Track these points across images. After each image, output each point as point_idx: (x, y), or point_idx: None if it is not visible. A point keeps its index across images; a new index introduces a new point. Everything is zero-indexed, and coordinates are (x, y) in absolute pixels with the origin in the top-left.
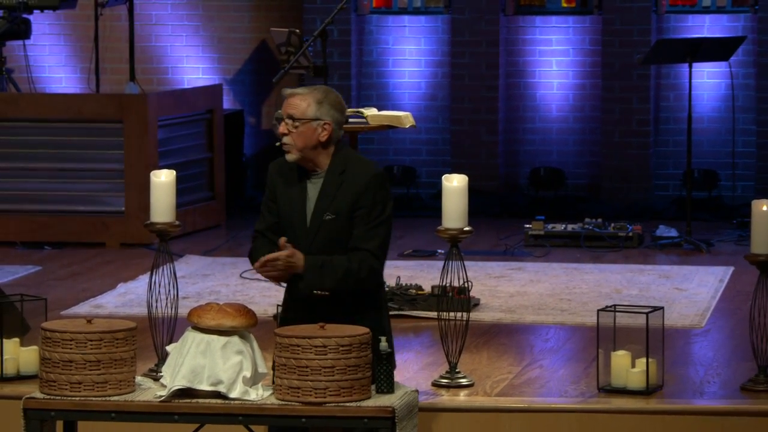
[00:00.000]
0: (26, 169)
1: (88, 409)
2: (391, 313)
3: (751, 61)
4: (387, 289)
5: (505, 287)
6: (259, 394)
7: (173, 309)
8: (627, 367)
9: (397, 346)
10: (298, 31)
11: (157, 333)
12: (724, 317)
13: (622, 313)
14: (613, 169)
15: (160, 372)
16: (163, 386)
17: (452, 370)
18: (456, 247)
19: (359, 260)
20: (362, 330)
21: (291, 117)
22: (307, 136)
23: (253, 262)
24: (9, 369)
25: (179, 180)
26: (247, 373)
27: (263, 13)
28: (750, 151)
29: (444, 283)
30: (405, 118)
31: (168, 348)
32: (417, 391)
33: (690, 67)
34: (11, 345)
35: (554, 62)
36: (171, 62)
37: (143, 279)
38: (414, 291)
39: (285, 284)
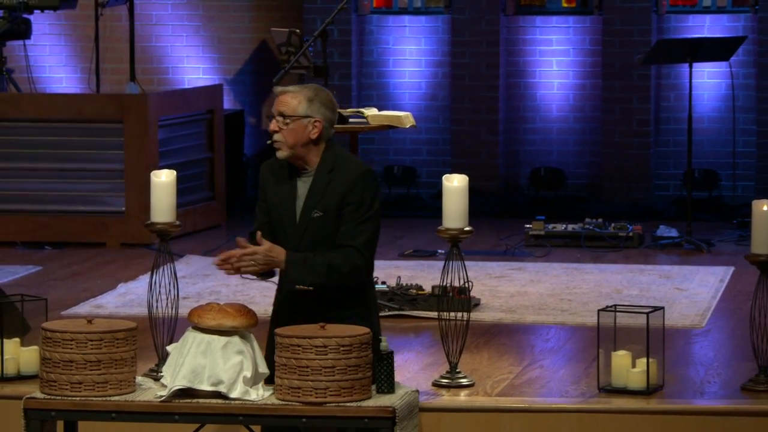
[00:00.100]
0: (27, 169)
1: (88, 409)
2: (391, 313)
3: (752, 61)
4: (387, 289)
5: (505, 287)
6: (259, 394)
7: (174, 309)
8: (627, 367)
9: (397, 346)
10: (298, 31)
11: (157, 333)
12: (725, 317)
13: (622, 313)
14: (613, 169)
15: (161, 372)
16: (164, 386)
17: (453, 370)
18: (456, 247)
19: (343, 257)
20: (363, 330)
21: (282, 114)
22: (297, 134)
23: None
24: (9, 369)
25: (179, 180)
26: (248, 373)
27: (263, 13)
28: (750, 151)
29: (444, 283)
30: (405, 118)
31: (168, 348)
32: (417, 391)
33: (690, 67)
34: (12, 345)
35: (554, 62)
36: (171, 62)
37: (144, 279)
38: (414, 291)
39: (261, 279)
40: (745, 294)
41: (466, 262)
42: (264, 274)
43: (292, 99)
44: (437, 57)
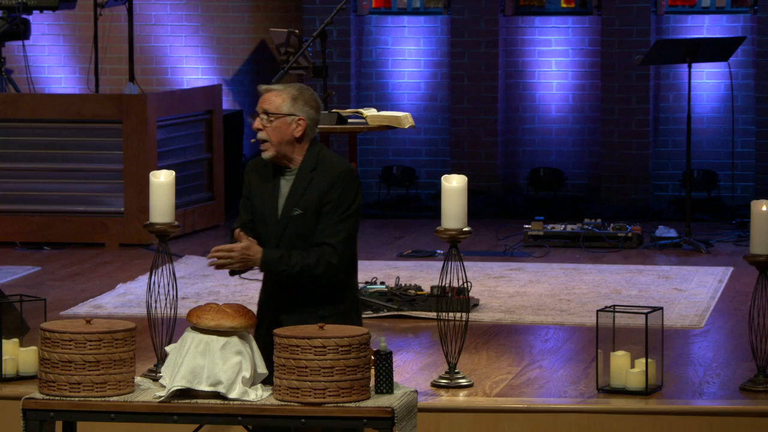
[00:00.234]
0: (26, 170)
1: (87, 410)
2: (390, 313)
3: (751, 62)
4: (386, 289)
5: (504, 288)
6: (258, 395)
7: (172, 309)
8: (626, 367)
9: (396, 346)
10: (297, 31)
11: (156, 333)
12: (724, 318)
13: (621, 313)
14: (612, 169)
15: (160, 372)
16: (163, 387)
17: (451, 370)
18: (455, 248)
19: (318, 255)
20: (362, 330)
21: (266, 112)
22: (281, 131)
23: None
24: (8, 369)
25: (178, 180)
26: (247, 374)
27: (262, 13)
28: (749, 151)
29: (443, 284)
30: (404, 118)
31: (167, 348)
32: (416, 391)
33: (689, 67)
34: (11, 345)
35: (553, 62)
36: (170, 63)
37: (143, 279)
38: (413, 291)
39: (241, 275)
40: (744, 294)
41: (465, 263)
42: (238, 271)
43: (276, 97)
44: (436, 57)
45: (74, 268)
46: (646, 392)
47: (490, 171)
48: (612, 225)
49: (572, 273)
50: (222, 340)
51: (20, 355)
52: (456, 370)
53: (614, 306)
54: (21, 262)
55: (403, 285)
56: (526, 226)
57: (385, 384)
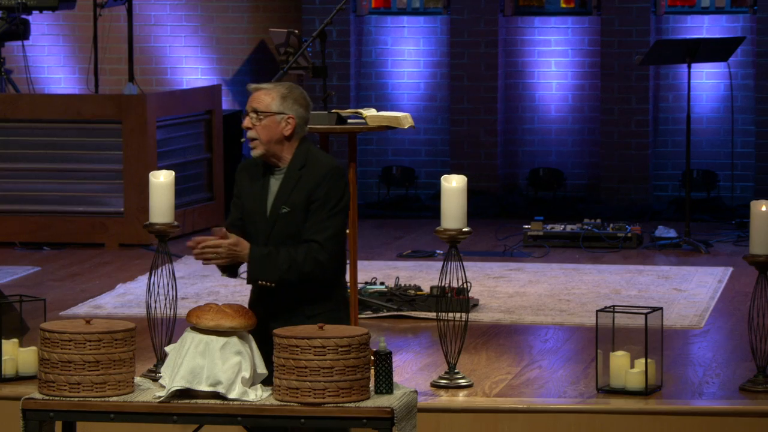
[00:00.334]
0: (25, 170)
1: (87, 410)
2: (389, 313)
3: (750, 62)
4: (386, 289)
5: (504, 288)
6: (258, 395)
7: (172, 310)
8: (626, 367)
9: (396, 346)
10: (297, 31)
11: (156, 334)
12: (723, 318)
13: (620, 313)
14: (612, 169)
15: (159, 373)
16: (162, 387)
17: (451, 370)
18: (455, 248)
19: (305, 252)
20: (361, 331)
21: (255, 111)
22: (270, 130)
23: None
24: (8, 370)
25: (178, 181)
26: (246, 374)
27: (262, 13)
28: (749, 151)
29: (443, 284)
30: (404, 118)
31: (167, 349)
32: (416, 391)
33: (689, 67)
34: (10, 345)
35: (553, 63)
36: (170, 63)
37: (142, 280)
38: (413, 291)
39: (224, 275)
40: (744, 294)
41: (465, 263)
42: (228, 271)
43: (266, 96)
44: (436, 57)
45: (74, 268)
46: (646, 392)
47: (490, 171)
48: (611, 225)
49: (572, 273)
50: (221, 340)
51: (20, 356)
52: (456, 371)
53: (614, 306)
54: (21, 263)
55: (402, 285)
56: (526, 226)
57: (385, 384)
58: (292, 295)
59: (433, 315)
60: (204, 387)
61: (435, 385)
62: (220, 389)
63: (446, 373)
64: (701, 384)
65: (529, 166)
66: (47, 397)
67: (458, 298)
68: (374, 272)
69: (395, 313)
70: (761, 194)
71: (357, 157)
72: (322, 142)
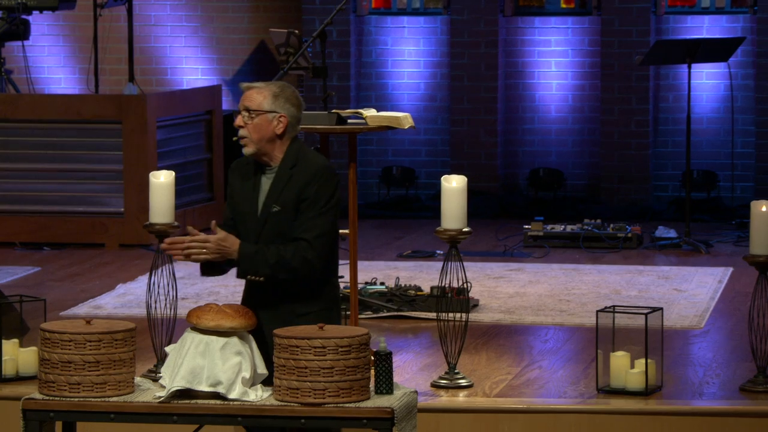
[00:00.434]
0: (25, 170)
1: (87, 410)
2: (390, 314)
3: (750, 62)
4: (386, 290)
5: (504, 288)
6: (258, 395)
7: (172, 310)
8: (626, 367)
9: (396, 346)
10: (297, 31)
11: (156, 334)
12: (723, 318)
13: (621, 314)
14: (612, 169)
15: (159, 373)
16: (162, 387)
17: (451, 370)
18: (455, 248)
19: (294, 250)
20: (361, 331)
21: (247, 109)
22: (262, 128)
23: None
24: (8, 370)
25: (178, 181)
26: (246, 374)
27: (262, 13)
28: (749, 152)
29: (443, 284)
30: (404, 119)
31: (167, 349)
32: (416, 392)
33: (689, 67)
34: (10, 346)
35: (553, 63)
36: (170, 63)
37: (142, 280)
38: (413, 292)
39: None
40: (744, 295)
41: (465, 263)
42: (210, 271)
43: (258, 94)
44: (436, 58)
45: (74, 268)
46: (646, 393)
47: (490, 171)
48: (612, 225)
49: (572, 273)
50: (222, 340)
51: (20, 356)
52: (456, 371)
53: (614, 306)
54: (21, 263)
55: (402, 285)
56: (526, 226)
57: (385, 384)
58: (282, 293)
59: (433, 315)
60: (204, 387)
61: (435, 386)
62: (221, 389)
63: (446, 373)
64: (701, 384)
65: (530, 167)
66: (47, 398)
67: (458, 299)
68: (374, 272)
69: (395, 313)
70: (761, 194)
71: (357, 158)
72: (322, 142)
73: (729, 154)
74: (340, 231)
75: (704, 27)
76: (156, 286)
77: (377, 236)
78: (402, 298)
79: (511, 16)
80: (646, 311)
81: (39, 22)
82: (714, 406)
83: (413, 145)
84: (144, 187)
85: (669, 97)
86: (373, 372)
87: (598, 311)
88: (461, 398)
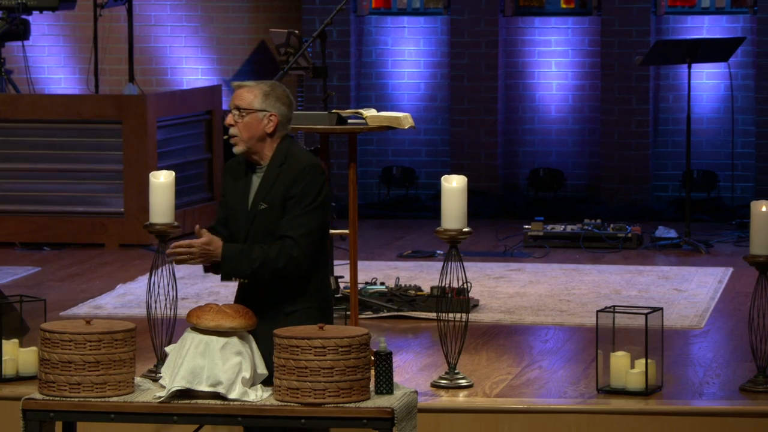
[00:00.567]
0: (26, 170)
1: (87, 410)
2: (390, 314)
3: (751, 62)
4: (386, 290)
5: (504, 288)
6: (258, 395)
7: (172, 310)
8: (626, 368)
9: (396, 346)
10: (297, 31)
11: (156, 334)
12: (723, 318)
13: (621, 314)
14: (612, 170)
15: (159, 373)
16: (163, 387)
17: (451, 371)
18: (455, 248)
19: (279, 248)
20: (361, 331)
21: (237, 108)
22: (252, 127)
23: None
24: (8, 370)
25: (178, 181)
26: (246, 374)
27: (262, 14)
28: (749, 152)
29: (443, 284)
30: (404, 119)
31: (167, 349)
32: (416, 392)
33: (689, 67)
34: (10, 346)
35: (553, 63)
36: (170, 63)
37: (142, 280)
38: (413, 292)
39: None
40: (744, 295)
41: (465, 263)
42: (212, 269)
43: (248, 93)
44: (436, 58)
45: (74, 268)
46: (646, 393)
47: (490, 171)
48: (612, 225)
49: (572, 273)
50: (222, 340)
51: (20, 356)
52: (456, 371)
53: (614, 306)
54: (21, 263)
55: (403, 285)
56: (526, 226)
57: (385, 384)
58: (269, 292)
59: (433, 315)
60: (204, 387)
61: (435, 386)
62: (221, 389)
63: (446, 373)
64: (701, 384)
65: (530, 167)
66: (47, 398)
67: (458, 299)
68: (374, 272)
69: (395, 313)
70: (761, 194)
71: (357, 158)
72: (323, 142)
73: (729, 154)
74: (341, 231)
75: (704, 27)
76: (156, 286)
77: (377, 236)
78: (402, 298)
79: (511, 16)
80: (646, 311)
81: (39, 22)
82: (714, 406)
83: (413, 145)
84: (144, 187)
85: (669, 97)
86: (373, 372)
87: (598, 311)
88: (461, 398)
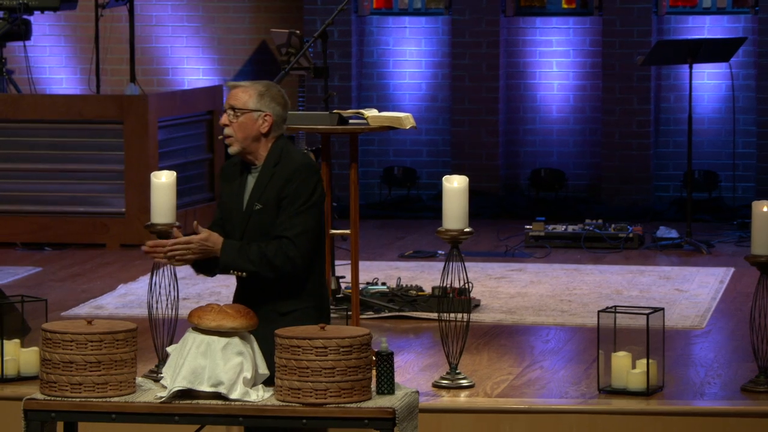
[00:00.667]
0: (27, 170)
1: (88, 410)
2: (391, 314)
3: (752, 62)
4: (387, 290)
5: (505, 288)
6: (259, 395)
7: (174, 310)
8: (627, 368)
9: (397, 347)
10: (298, 32)
11: (157, 334)
12: (725, 318)
13: (622, 314)
14: (613, 170)
15: (161, 373)
16: (164, 387)
17: (453, 371)
18: (456, 248)
19: (276, 247)
20: (363, 331)
21: (232, 108)
22: (247, 127)
23: None
24: (9, 370)
25: (179, 181)
26: (248, 374)
27: (263, 14)
28: (750, 152)
29: (444, 284)
30: (405, 119)
31: (168, 349)
32: (417, 392)
33: (690, 68)
34: (12, 346)
35: (555, 63)
36: (171, 63)
37: (144, 280)
38: (414, 292)
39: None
40: (745, 295)
41: (466, 263)
42: (203, 270)
43: (243, 93)
44: (437, 58)
45: (75, 268)
46: (648, 393)
47: (491, 171)
48: (613, 225)
49: (573, 273)
50: (223, 340)
51: (21, 356)
52: (457, 371)
53: (615, 307)
54: (22, 263)
55: (404, 285)
56: (527, 226)
57: (387, 384)
58: (265, 292)
59: (434, 315)
60: (205, 387)
61: (436, 386)
62: (222, 390)
63: (448, 373)
64: (703, 384)
65: (531, 167)
66: (49, 398)
67: (460, 299)
68: (376, 273)
69: (397, 313)
70: (763, 195)
71: (358, 158)
72: (324, 142)
73: (730, 154)
74: (342, 231)
75: (705, 27)
76: (157, 286)
77: (379, 236)
78: (403, 298)
79: (512, 17)
80: (647, 311)
81: (40, 23)
82: (715, 406)
83: (414, 146)
84: (145, 187)
85: (670, 97)
86: (374, 372)
87: (599, 311)
88: (463, 398)
